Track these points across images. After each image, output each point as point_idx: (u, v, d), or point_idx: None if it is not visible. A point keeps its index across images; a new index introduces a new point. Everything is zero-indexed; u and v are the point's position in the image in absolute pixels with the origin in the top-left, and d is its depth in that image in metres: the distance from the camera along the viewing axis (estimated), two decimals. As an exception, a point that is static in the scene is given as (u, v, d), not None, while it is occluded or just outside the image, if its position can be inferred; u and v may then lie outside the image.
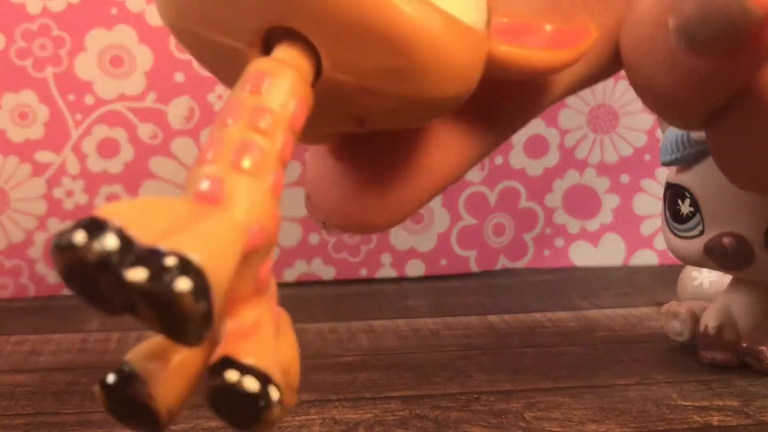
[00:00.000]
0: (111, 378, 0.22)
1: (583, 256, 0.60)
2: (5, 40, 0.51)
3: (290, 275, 0.57)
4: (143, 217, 0.19)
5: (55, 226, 0.53)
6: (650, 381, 0.40)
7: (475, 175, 0.58)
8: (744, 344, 0.41)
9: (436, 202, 0.57)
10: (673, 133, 0.40)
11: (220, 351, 0.21)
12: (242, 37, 0.23)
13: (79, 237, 0.18)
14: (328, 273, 0.57)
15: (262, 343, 0.22)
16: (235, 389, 0.20)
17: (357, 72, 0.23)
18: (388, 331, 0.46)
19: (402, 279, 0.57)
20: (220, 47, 0.23)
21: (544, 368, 0.41)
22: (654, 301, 0.52)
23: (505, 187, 0.59)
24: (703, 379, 0.40)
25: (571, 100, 0.58)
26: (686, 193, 0.40)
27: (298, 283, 0.57)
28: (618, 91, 0.59)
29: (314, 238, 0.57)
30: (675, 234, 0.41)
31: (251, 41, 0.23)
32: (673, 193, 0.41)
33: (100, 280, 0.18)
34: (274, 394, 0.20)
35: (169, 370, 0.22)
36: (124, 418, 0.23)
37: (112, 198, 0.53)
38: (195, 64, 0.53)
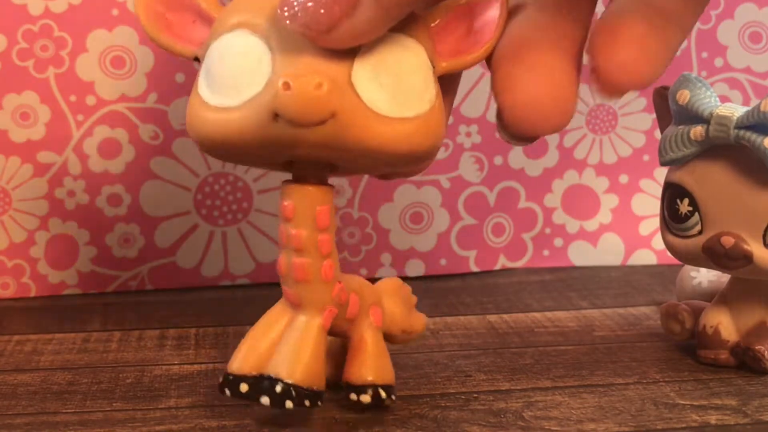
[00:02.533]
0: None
1: (582, 255, 0.60)
2: (7, 41, 0.51)
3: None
4: (256, 351, 0.34)
5: (57, 226, 0.53)
6: (649, 380, 0.40)
7: (474, 175, 0.58)
8: (742, 344, 0.41)
9: (436, 202, 0.58)
10: (672, 132, 0.40)
11: (344, 376, 0.36)
12: (272, 166, 0.34)
13: (227, 392, 0.34)
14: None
15: (368, 354, 0.36)
16: (358, 404, 0.35)
17: (364, 169, 0.36)
18: (388, 331, 0.47)
19: (402, 279, 0.57)
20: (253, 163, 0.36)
21: (543, 367, 0.42)
22: (653, 301, 0.52)
23: (505, 187, 0.59)
24: (701, 379, 0.40)
25: (570, 100, 0.58)
26: (685, 193, 0.40)
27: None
28: (617, 91, 0.59)
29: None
30: (673, 233, 0.41)
31: (278, 166, 0.34)
32: (672, 192, 0.41)
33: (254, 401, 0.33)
34: (382, 394, 0.35)
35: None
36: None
37: (113, 198, 0.54)
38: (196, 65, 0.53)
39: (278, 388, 0.33)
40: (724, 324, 0.41)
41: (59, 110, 0.52)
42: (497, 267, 0.60)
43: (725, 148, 0.39)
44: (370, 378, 0.35)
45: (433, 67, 0.32)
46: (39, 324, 0.48)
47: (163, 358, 0.43)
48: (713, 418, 0.36)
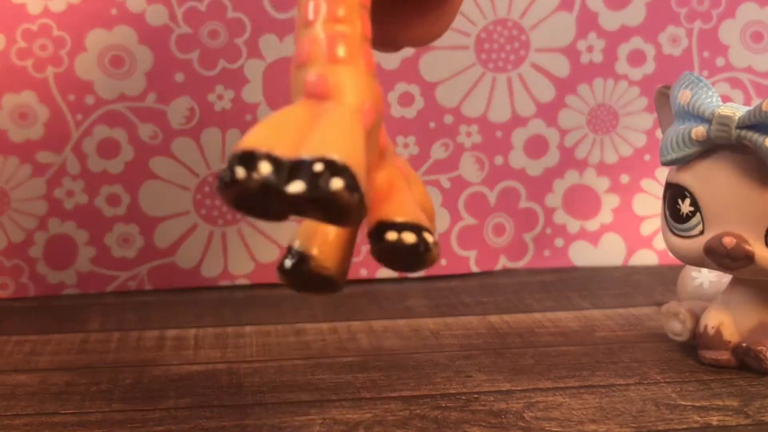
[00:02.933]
0: (288, 262, 0.27)
1: (583, 256, 0.60)
2: (6, 40, 0.51)
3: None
4: (280, 134, 0.23)
5: (56, 226, 0.53)
6: (650, 381, 0.40)
7: (474, 175, 0.58)
8: (743, 344, 0.41)
9: (436, 202, 0.58)
10: (673, 132, 0.40)
11: (373, 217, 0.25)
12: None
13: (240, 172, 0.22)
14: (328, 273, 0.57)
15: (402, 197, 0.26)
16: (398, 245, 0.25)
17: None
18: (388, 331, 0.47)
19: (402, 279, 0.57)
20: None
21: (543, 368, 0.41)
22: (654, 301, 0.52)
23: (505, 187, 0.59)
24: (702, 379, 0.40)
25: (571, 100, 0.58)
26: (686, 193, 0.40)
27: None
28: (618, 91, 0.59)
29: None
30: (675, 233, 0.41)
31: None
32: (673, 192, 0.41)
33: (267, 198, 0.22)
34: (429, 238, 0.25)
35: (331, 242, 0.28)
36: (305, 288, 0.28)
37: (112, 198, 0.54)
38: (195, 64, 0.53)
39: (318, 167, 0.22)
40: (726, 324, 0.41)
41: (58, 110, 0.52)
42: (498, 267, 0.59)
43: (727, 148, 0.39)
44: (411, 216, 0.26)
45: None
46: (38, 324, 0.48)
47: (163, 359, 0.43)
48: (715, 419, 0.36)
